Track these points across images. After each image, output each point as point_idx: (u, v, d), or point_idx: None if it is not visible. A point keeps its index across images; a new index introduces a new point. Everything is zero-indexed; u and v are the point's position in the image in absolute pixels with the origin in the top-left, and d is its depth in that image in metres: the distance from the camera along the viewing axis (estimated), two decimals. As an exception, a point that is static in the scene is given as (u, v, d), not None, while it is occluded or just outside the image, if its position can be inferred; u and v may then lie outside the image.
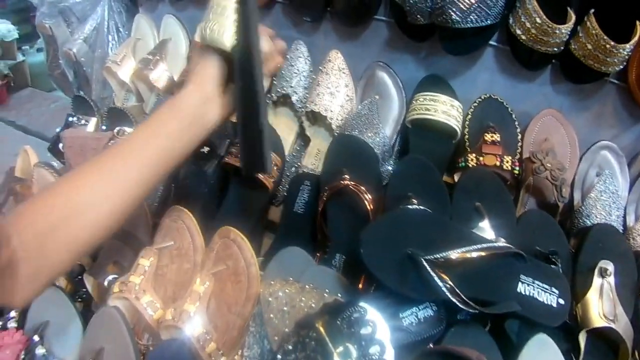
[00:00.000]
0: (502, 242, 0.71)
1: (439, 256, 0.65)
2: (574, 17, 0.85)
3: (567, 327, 0.79)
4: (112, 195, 0.61)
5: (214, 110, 0.72)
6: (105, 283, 0.91)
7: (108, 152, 0.66)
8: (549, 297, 0.73)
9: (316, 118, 1.06)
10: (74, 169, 0.64)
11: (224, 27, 0.69)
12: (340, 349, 0.57)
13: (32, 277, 0.56)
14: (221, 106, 0.72)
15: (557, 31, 0.84)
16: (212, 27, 0.70)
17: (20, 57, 3.01)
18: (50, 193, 0.60)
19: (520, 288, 0.71)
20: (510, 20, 0.90)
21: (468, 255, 0.66)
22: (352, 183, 0.84)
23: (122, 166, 0.63)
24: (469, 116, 0.97)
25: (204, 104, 0.70)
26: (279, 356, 0.59)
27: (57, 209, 0.58)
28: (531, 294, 0.72)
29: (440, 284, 0.63)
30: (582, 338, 0.79)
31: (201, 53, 0.74)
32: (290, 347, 0.59)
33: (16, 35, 2.96)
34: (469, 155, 0.92)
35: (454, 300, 0.64)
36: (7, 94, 2.81)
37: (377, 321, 0.60)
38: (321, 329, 0.58)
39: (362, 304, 0.62)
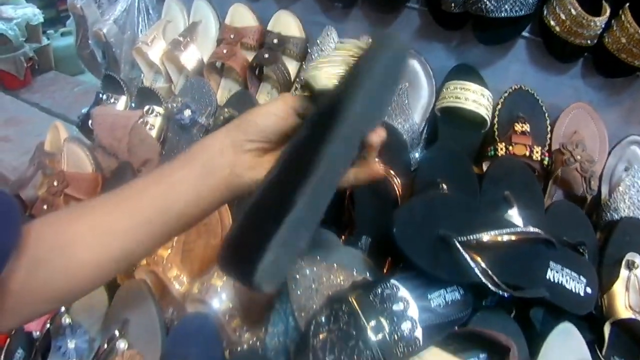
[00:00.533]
0: (532, 228, 0.71)
1: (471, 237, 0.65)
2: (608, 10, 0.84)
3: (592, 318, 0.79)
4: (96, 246, 0.51)
5: (246, 167, 0.54)
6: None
7: (102, 198, 0.56)
8: (577, 285, 0.73)
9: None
10: (66, 208, 0.57)
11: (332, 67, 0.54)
12: (373, 323, 0.57)
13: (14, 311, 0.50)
14: (257, 168, 0.55)
15: (592, 24, 0.84)
16: (318, 65, 0.55)
17: (45, 41, 3.05)
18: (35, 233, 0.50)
19: (550, 275, 0.71)
20: (545, 12, 0.90)
21: (499, 238, 0.66)
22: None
23: (112, 213, 0.52)
24: (499, 106, 0.97)
25: (233, 155, 0.54)
26: (312, 328, 0.60)
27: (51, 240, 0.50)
28: (560, 282, 0.72)
29: (474, 265, 0.64)
30: (606, 329, 0.79)
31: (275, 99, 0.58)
32: (323, 320, 0.60)
33: (41, 19, 2.99)
34: (499, 144, 0.92)
35: (485, 282, 0.64)
36: (32, 76, 2.85)
37: (408, 299, 0.61)
38: (354, 303, 0.59)
39: (393, 281, 0.62)
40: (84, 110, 1.32)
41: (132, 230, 0.52)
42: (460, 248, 0.64)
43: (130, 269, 0.80)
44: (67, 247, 0.50)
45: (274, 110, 0.54)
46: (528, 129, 0.92)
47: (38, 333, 0.90)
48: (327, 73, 0.52)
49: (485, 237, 0.65)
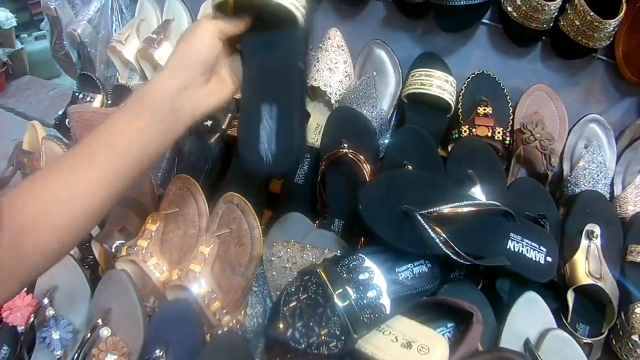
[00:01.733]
0: (491, 202, 0.75)
1: (432, 210, 0.68)
2: (562, -6, 0.88)
3: (555, 287, 0.84)
4: (78, 196, 0.55)
5: (195, 101, 0.61)
6: (113, 248, 0.94)
7: (75, 150, 0.58)
8: (537, 254, 0.77)
9: (316, 94, 1.09)
10: (40, 170, 0.59)
11: None
12: (340, 290, 0.61)
13: (7, 279, 0.53)
14: (204, 97, 0.62)
15: (546, 8, 0.88)
16: None
17: (18, 45, 3.03)
18: (16, 197, 0.54)
19: (510, 245, 0.75)
20: (502, -2, 0.94)
21: (460, 210, 0.70)
22: (351, 151, 0.87)
23: (88, 166, 0.56)
24: (463, 91, 1.01)
25: (179, 95, 0.59)
26: (282, 297, 0.63)
27: (27, 210, 0.53)
28: (520, 251, 0.76)
29: (435, 236, 0.67)
30: (570, 297, 0.83)
31: (193, 27, 0.63)
32: (292, 290, 0.63)
33: (14, 23, 2.97)
34: (462, 127, 0.96)
35: (447, 252, 0.67)
36: (6, 81, 2.83)
37: (373, 269, 0.64)
38: (322, 273, 0.62)
39: (360, 254, 0.66)
40: (60, 113, 1.34)
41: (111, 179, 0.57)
42: (422, 221, 0.67)
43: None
44: (48, 213, 0.53)
45: (208, 41, 0.60)
46: (490, 112, 0.96)
47: (22, 327, 0.91)
48: None
49: (446, 209, 0.69)
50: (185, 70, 0.60)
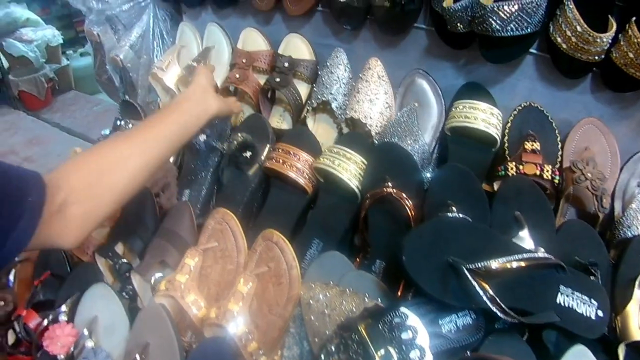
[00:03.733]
0: (542, 253, 0.71)
1: (480, 265, 0.66)
2: (615, 26, 0.84)
3: (605, 339, 0.79)
4: (140, 154, 0.75)
5: (211, 99, 0.91)
6: (152, 281, 0.95)
7: (135, 128, 0.82)
8: (588, 308, 0.73)
9: (355, 125, 1.08)
10: (109, 138, 0.83)
11: None
12: (382, 352, 0.59)
13: (82, 219, 0.67)
14: (216, 97, 0.93)
15: (598, 40, 0.84)
16: None
17: (64, 61, 3.13)
18: (92, 152, 0.73)
19: (560, 299, 0.71)
20: (551, 29, 0.90)
21: (508, 265, 0.67)
22: (395, 190, 0.85)
23: (146, 135, 0.78)
24: (509, 124, 0.97)
25: (203, 93, 0.91)
26: (322, 356, 0.61)
27: (100, 162, 0.70)
28: (570, 305, 0.72)
29: (481, 292, 0.64)
30: (621, 351, 0.78)
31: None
32: (332, 348, 0.61)
33: (60, 40, 3.08)
34: (509, 163, 0.92)
35: (494, 309, 0.65)
36: (52, 97, 2.93)
37: (417, 327, 0.62)
38: (363, 331, 0.60)
39: (403, 309, 0.63)
40: (104, 132, 1.36)
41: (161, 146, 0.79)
42: (469, 276, 0.64)
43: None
44: (116, 166, 0.72)
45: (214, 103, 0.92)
46: (538, 147, 0.93)
47: (63, 356, 0.93)
48: None
49: (494, 264, 0.66)
50: (203, 82, 0.94)
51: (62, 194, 0.64)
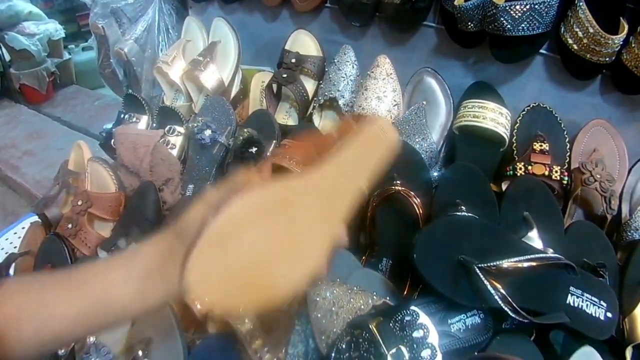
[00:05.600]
0: (552, 253, 0.71)
1: (491, 264, 0.65)
2: (626, 27, 0.84)
3: (613, 341, 0.78)
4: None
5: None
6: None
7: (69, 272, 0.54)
8: (597, 310, 0.72)
9: (362, 122, 1.07)
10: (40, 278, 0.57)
11: None
12: (393, 350, 0.58)
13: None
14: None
15: (610, 41, 0.83)
16: None
17: (66, 56, 3.12)
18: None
19: (570, 300, 0.71)
20: (562, 29, 0.90)
21: (520, 265, 0.66)
22: (403, 189, 0.85)
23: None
24: (518, 124, 0.97)
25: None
26: (332, 354, 0.60)
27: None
28: (580, 306, 0.71)
29: (493, 291, 0.64)
30: (628, 353, 0.78)
31: None
32: (343, 346, 0.60)
33: (63, 35, 3.06)
34: (518, 163, 0.91)
35: (505, 308, 0.64)
36: (54, 91, 2.91)
37: (428, 325, 0.61)
38: (375, 330, 0.59)
39: (413, 307, 0.63)
40: (106, 127, 1.35)
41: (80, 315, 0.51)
42: (480, 274, 0.64)
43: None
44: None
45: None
46: (547, 148, 0.92)
47: (63, 351, 0.92)
48: None
49: (506, 263, 0.66)
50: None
51: None
